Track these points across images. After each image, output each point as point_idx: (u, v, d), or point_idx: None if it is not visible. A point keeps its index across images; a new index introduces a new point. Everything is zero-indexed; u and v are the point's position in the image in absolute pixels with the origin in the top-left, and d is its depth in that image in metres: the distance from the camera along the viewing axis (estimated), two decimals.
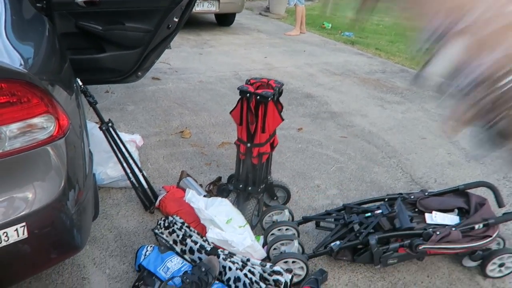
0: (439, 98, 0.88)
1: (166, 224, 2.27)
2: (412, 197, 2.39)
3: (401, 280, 2.22)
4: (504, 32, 0.75)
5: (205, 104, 4.35)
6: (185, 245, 2.12)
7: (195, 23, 8.25)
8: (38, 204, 1.41)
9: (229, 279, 1.95)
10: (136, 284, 1.98)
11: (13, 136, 1.39)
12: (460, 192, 2.39)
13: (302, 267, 2.09)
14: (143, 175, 2.62)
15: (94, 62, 3.08)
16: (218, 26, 8.45)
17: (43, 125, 1.46)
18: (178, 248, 2.14)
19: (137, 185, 2.57)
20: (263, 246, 2.26)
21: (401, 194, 2.44)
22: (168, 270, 1.99)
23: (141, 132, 3.50)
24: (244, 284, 1.88)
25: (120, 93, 4.37)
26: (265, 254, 2.19)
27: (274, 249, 2.20)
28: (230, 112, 2.36)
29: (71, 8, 2.78)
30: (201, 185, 2.81)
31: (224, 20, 8.37)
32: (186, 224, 2.28)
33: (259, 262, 2.03)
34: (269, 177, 2.56)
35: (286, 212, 2.39)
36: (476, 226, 2.12)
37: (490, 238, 2.11)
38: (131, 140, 2.95)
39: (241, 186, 2.46)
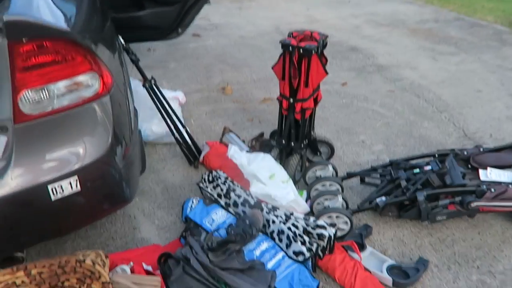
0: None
1: (210, 179, 2.31)
2: (466, 153, 2.26)
3: (450, 237, 2.15)
4: None
5: (246, 59, 4.27)
6: (229, 198, 2.16)
7: None
8: (88, 159, 1.47)
9: (272, 232, 1.98)
10: (184, 234, 2.06)
11: (60, 94, 1.43)
12: None
13: (346, 222, 2.07)
14: (186, 131, 2.66)
15: (135, 20, 3.07)
16: None
17: (88, 82, 1.49)
18: (222, 202, 2.18)
19: (181, 141, 2.62)
20: (306, 201, 2.26)
21: (453, 150, 2.32)
22: (214, 222, 2.05)
23: (183, 89, 3.51)
24: (288, 237, 1.90)
25: (161, 51, 4.39)
26: (308, 209, 2.19)
27: (318, 204, 2.19)
28: (272, 67, 2.29)
29: None
30: (243, 141, 2.82)
31: None
32: (229, 179, 2.31)
33: (302, 216, 2.03)
34: (312, 133, 2.51)
35: (330, 167, 2.35)
36: None
37: None
38: (174, 97, 2.98)
39: (283, 142, 2.44)
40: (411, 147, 2.88)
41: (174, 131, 2.59)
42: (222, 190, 2.20)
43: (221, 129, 2.96)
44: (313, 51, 2.07)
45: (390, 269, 1.89)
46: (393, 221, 2.23)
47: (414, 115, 3.27)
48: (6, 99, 1.35)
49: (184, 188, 2.49)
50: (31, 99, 1.38)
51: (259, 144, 2.75)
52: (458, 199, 2.03)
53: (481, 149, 2.27)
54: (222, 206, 2.16)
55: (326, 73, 2.22)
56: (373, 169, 2.36)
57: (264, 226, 2.01)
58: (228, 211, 2.13)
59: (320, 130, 3.00)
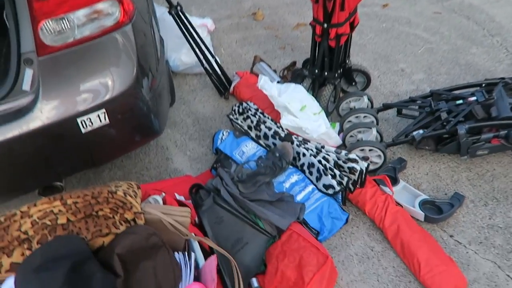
0: None
1: (241, 110, 2.28)
2: None
3: (490, 172, 2.05)
4: None
5: None
6: (260, 130, 2.13)
7: None
8: (115, 91, 1.45)
9: (303, 164, 1.96)
10: (214, 165, 2.08)
11: (81, 24, 1.37)
12: None
13: (379, 156, 2.01)
14: (216, 61, 2.57)
15: None
16: None
17: (108, 10, 1.42)
18: (252, 134, 2.16)
19: (210, 71, 2.55)
20: (338, 134, 2.19)
21: (503, 78, 2.12)
22: (244, 154, 2.05)
23: (212, 15, 3.35)
24: (318, 170, 1.88)
25: None
26: (340, 141, 2.13)
27: (351, 136, 2.12)
28: None
29: None
30: (275, 71, 2.71)
31: None
32: (260, 111, 2.26)
33: (334, 149, 1.98)
34: (347, 61, 2.36)
35: (365, 98, 2.24)
36: None
37: None
38: (202, 24, 2.85)
39: (316, 71, 2.31)
40: (456, 76, 2.67)
41: (204, 61, 2.51)
42: (252, 122, 2.17)
43: (251, 58, 2.85)
44: None
45: (423, 204, 1.85)
46: (429, 155, 2.14)
47: (462, 39, 2.99)
48: (27, 31, 1.32)
49: (214, 120, 2.47)
50: (52, 30, 1.34)
51: (290, 74, 2.64)
52: (503, 132, 1.89)
53: None
54: (252, 138, 2.14)
55: None
56: (412, 100, 2.22)
57: (294, 158, 1.99)
58: (258, 143, 2.11)
59: (356, 58, 2.83)
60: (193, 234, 1.50)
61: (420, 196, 1.88)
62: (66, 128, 1.41)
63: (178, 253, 1.36)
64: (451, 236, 1.80)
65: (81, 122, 1.42)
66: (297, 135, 2.09)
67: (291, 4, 3.54)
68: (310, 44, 2.29)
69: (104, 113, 1.44)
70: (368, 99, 2.25)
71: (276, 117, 2.22)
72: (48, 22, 1.33)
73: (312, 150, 1.98)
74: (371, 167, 2.02)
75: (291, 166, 1.97)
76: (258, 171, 1.88)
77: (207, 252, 1.55)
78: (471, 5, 3.37)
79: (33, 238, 1.20)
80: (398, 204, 1.85)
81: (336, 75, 2.29)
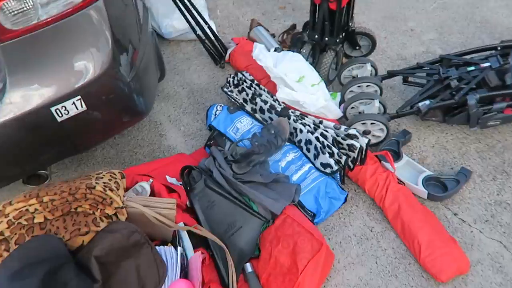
0: None
1: (235, 82, 2.15)
2: None
3: (501, 143, 1.92)
4: None
5: None
6: (255, 104, 2.01)
7: None
8: (88, 76, 1.34)
9: (300, 141, 1.85)
10: (208, 143, 1.99)
11: (45, 2, 1.24)
12: None
13: (381, 129, 1.88)
14: (209, 27, 2.40)
15: None
16: None
17: None
18: (248, 107, 2.04)
19: (204, 38, 2.40)
20: (340, 105, 2.06)
21: None
22: (238, 131, 1.95)
23: None
24: (316, 147, 1.77)
25: None
26: (341, 114, 2.01)
27: (352, 108, 1.99)
28: None
29: None
30: (273, 35, 2.53)
31: None
32: (255, 82, 2.12)
33: (332, 124, 1.86)
34: (350, 23, 2.17)
35: (369, 65, 2.07)
36: None
37: None
38: None
39: (316, 36, 2.14)
40: (470, 35, 2.46)
41: (196, 27, 2.35)
42: (247, 95, 2.04)
43: (249, 20, 2.66)
44: None
45: (427, 181, 1.75)
46: (436, 126, 2.01)
47: None
48: None
49: (210, 91, 2.35)
50: (12, 10, 1.21)
51: (290, 38, 2.46)
52: None
53: None
54: (248, 112, 2.03)
55: None
56: (419, 67, 2.05)
57: (291, 134, 1.88)
58: (254, 117, 2.00)
59: (361, 17, 2.62)
60: (182, 224, 1.44)
61: (424, 173, 1.78)
62: (41, 118, 1.32)
63: (164, 246, 1.31)
64: (455, 214, 1.71)
65: (56, 111, 1.32)
66: (294, 109, 1.97)
67: None
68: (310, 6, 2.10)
69: (80, 99, 1.34)
70: (372, 66, 2.09)
71: (273, 88, 2.08)
72: (8, 2, 1.20)
73: (309, 126, 1.86)
74: (373, 140, 1.91)
75: (287, 143, 1.87)
76: (252, 150, 1.78)
77: (201, 239, 1.51)
78: None
79: (10, 238, 1.16)
80: (400, 181, 1.75)
81: (338, 40, 2.11)
